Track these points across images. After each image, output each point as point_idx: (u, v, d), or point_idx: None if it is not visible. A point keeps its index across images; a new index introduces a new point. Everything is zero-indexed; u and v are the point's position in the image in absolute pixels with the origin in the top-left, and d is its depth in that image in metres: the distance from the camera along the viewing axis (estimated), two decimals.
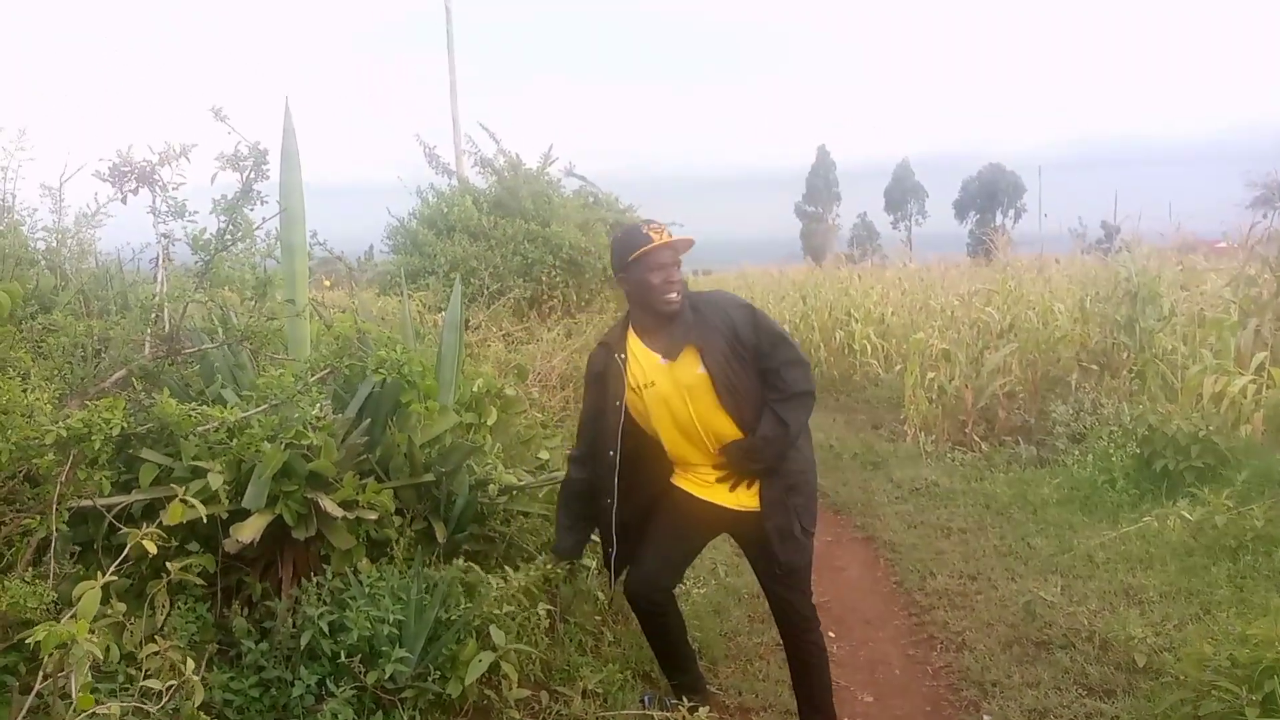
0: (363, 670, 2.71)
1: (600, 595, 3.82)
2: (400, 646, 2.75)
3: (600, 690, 3.24)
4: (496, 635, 2.87)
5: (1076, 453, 6.61)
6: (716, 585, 4.61)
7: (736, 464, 2.95)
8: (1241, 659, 2.99)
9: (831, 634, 4.26)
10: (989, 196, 59.98)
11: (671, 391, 2.92)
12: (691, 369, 2.89)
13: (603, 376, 3.05)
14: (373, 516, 2.99)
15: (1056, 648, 3.92)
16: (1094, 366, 7.72)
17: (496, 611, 2.97)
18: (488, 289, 9.41)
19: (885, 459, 7.62)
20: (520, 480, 3.71)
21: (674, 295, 2.90)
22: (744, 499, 2.97)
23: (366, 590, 2.85)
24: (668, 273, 2.90)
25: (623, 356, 3.00)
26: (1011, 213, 59.28)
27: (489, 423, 4.04)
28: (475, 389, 4.06)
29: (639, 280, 2.91)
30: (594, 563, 3.82)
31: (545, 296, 10.01)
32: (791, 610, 3.07)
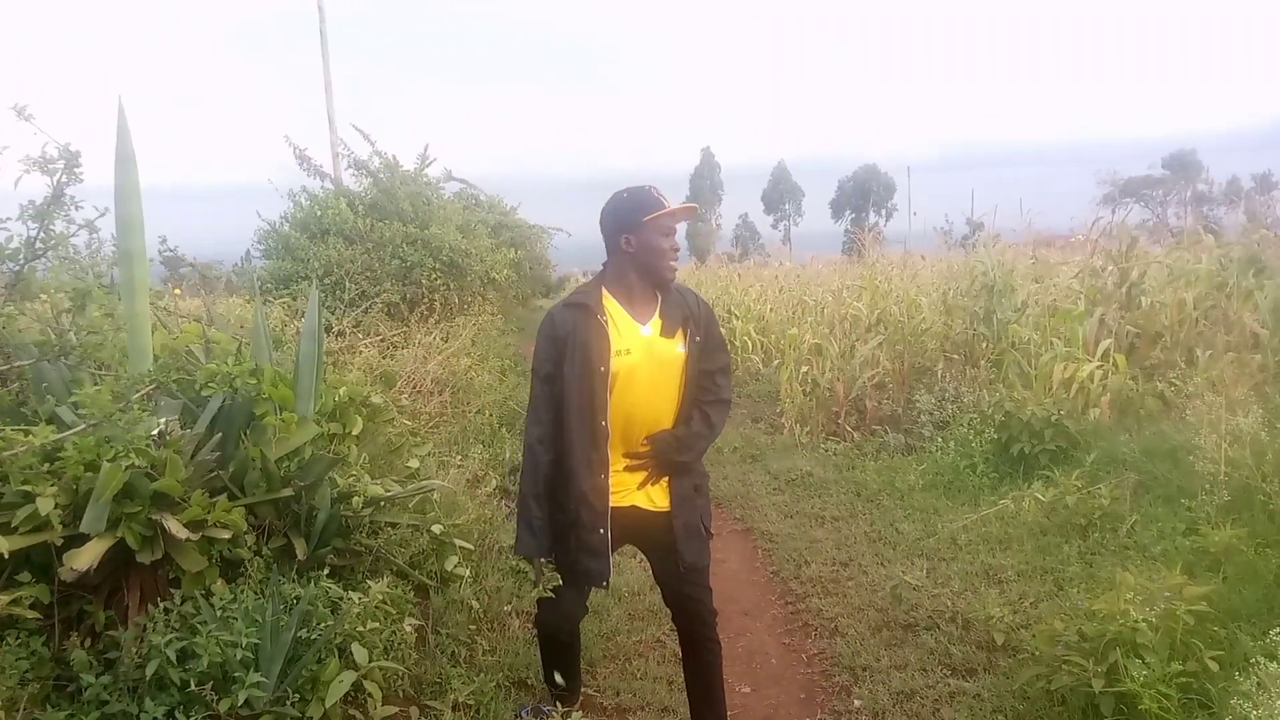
0: (215, 698, 2.57)
1: (475, 604, 3.74)
2: (256, 670, 2.62)
3: (473, 702, 3.18)
4: (359, 653, 2.77)
5: (940, 439, 6.88)
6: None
7: (664, 453, 2.89)
8: (1089, 633, 3.16)
9: None
10: (863, 196, 61.97)
11: (643, 363, 2.82)
12: (673, 346, 2.85)
13: (573, 340, 2.79)
14: (225, 536, 2.83)
15: (922, 629, 4.07)
16: (956, 357, 8.05)
17: (360, 628, 2.86)
18: (363, 293, 9.15)
19: (763, 451, 7.77)
20: (388, 491, 3.60)
21: (676, 263, 2.88)
22: (655, 497, 2.94)
23: (219, 613, 2.71)
24: (673, 239, 2.88)
25: (604, 318, 2.80)
26: (884, 212, 61.45)
27: (354, 432, 3.91)
28: (339, 398, 3.92)
29: (649, 243, 2.81)
30: (467, 571, 3.74)
31: (424, 299, 9.82)
32: (699, 606, 3.05)
